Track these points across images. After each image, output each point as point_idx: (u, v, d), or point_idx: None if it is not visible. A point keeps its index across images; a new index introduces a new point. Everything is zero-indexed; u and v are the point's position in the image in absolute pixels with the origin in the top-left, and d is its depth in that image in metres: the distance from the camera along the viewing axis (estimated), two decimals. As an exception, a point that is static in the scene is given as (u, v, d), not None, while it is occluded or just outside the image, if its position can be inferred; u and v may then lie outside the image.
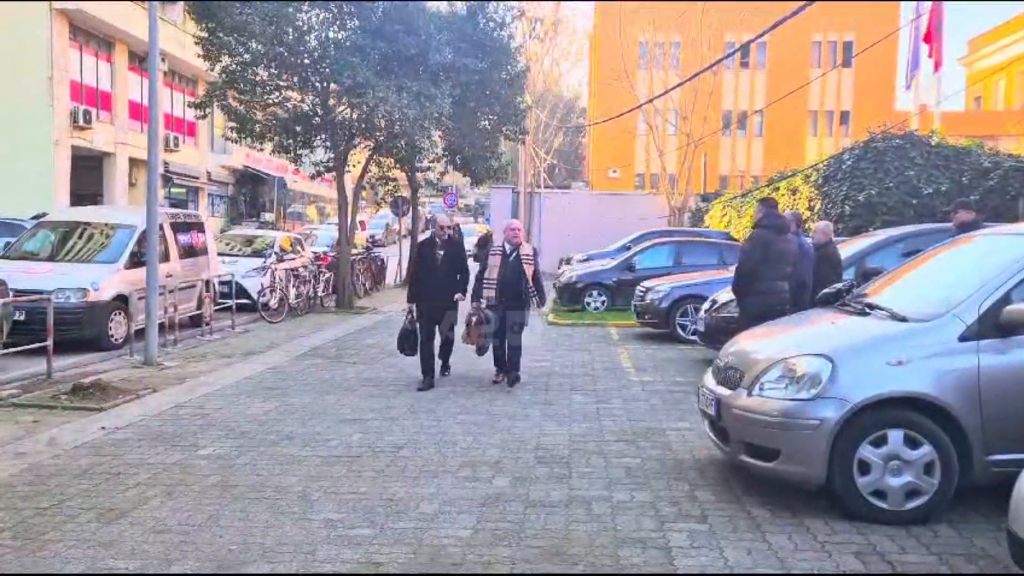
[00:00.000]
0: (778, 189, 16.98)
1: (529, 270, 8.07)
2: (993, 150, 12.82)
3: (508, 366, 8.23)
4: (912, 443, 4.19)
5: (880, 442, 4.22)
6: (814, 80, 31.31)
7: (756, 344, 5.17)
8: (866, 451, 4.22)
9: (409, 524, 4.24)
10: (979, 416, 4.15)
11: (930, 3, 15.76)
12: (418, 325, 8.11)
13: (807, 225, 10.90)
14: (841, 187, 13.18)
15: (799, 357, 4.52)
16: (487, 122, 18.44)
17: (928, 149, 12.62)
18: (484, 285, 8.11)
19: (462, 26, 15.78)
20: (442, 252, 8.15)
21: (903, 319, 4.56)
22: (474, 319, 8.14)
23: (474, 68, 15.18)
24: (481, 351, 8.28)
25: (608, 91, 33.77)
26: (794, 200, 15.74)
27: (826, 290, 5.82)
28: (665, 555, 3.86)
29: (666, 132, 33.05)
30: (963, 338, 4.24)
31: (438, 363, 8.36)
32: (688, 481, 5.01)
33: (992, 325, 4.20)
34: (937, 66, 15.91)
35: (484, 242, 12.69)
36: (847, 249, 9.07)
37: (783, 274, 6.95)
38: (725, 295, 9.02)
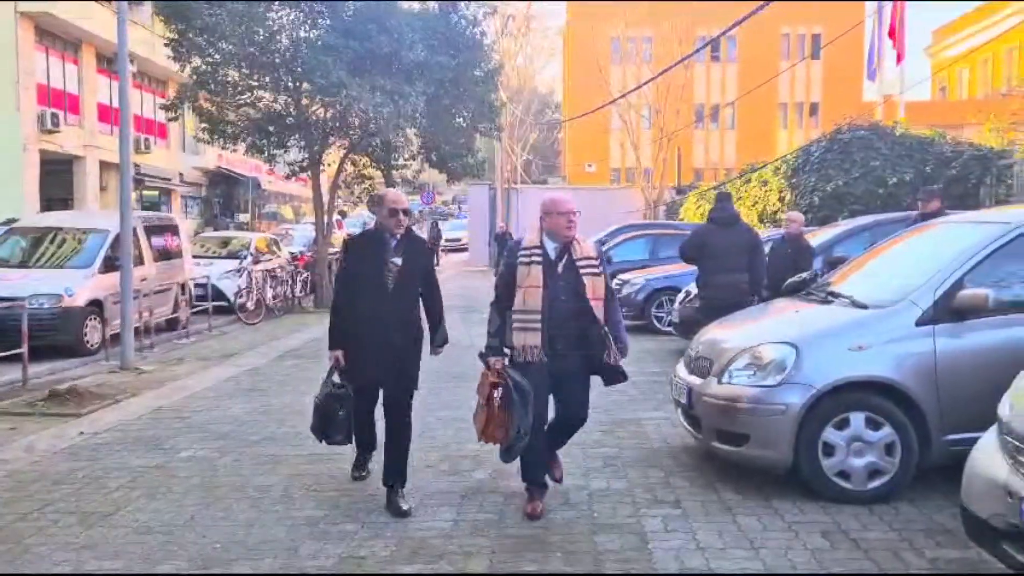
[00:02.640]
0: (749, 181, 17.26)
1: (597, 286, 4.33)
2: (955, 139, 13.12)
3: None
4: (873, 425, 4.36)
5: (843, 425, 4.38)
6: (783, 72, 31.65)
7: (725, 334, 5.32)
8: (830, 434, 4.37)
9: (391, 518, 4.32)
10: (936, 397, 4.32)
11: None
12: (346, 391, 4.69)
13: (779, 216, 11.14)
14: (810, 178, 13.44)
15: (765, 345, 4.67)
16: (462, 119, 18.51)
17: (892, 140, 12.91)
18: (516, 322, 4.32)
19: (435, 24, 15.83)
20: (397, 261, 4.49)
21: (864, 306, 4.73)
22: (496, 393, 4.33)
23: (447, 66, 15.24)
24: (510, 453, 4.38)
25: (582, 86, 33.95)
26: (765, 192, 16.00)
27: (791, 280, 5.99)
28: (640, 539, 3.98)
29: (640, 127, 33.31)
30: (920, 323, 4.41)
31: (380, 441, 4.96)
32: (663, 468, 5.14)
33: (947, 310, 4.38)
34: (900, 58, 16.23)
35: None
36: (815, 239, 9.29)
37: (735, 266, 6.99)
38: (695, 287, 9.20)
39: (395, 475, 4.53)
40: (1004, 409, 3.27)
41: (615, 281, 13.14)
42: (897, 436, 4.34)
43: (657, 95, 29.68)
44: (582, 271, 4.31)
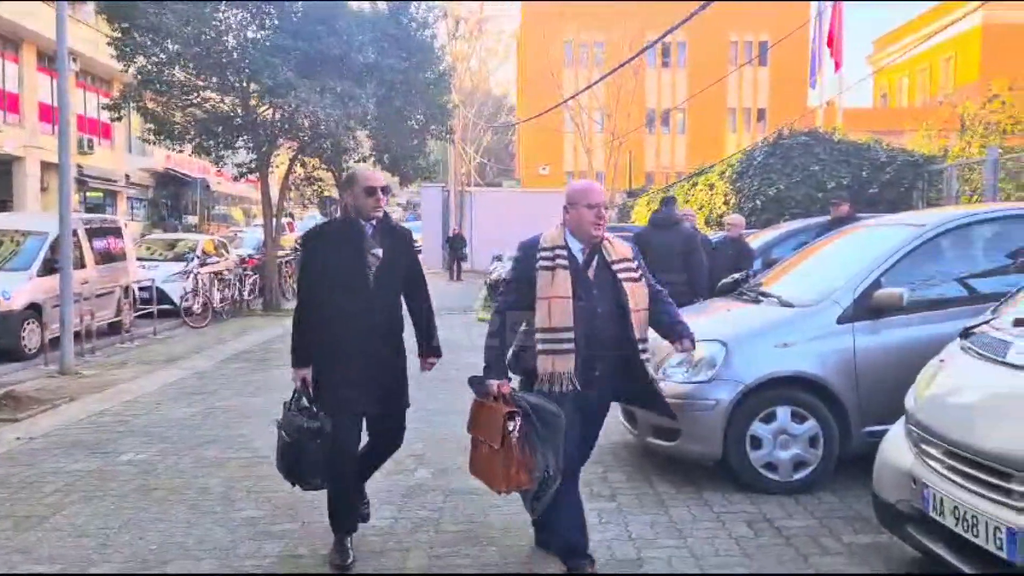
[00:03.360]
0: (696, 184, 17.60)
1: (639, 295, 3.55)
2: (889, 145, 13.58)
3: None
4: (799, 419, 4.56)
5: (770, 419, 4.57)
6: (726, 77, 32.32)
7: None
8: (757, 428, 4.56)
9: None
10: (856, 391, 4.54)
11: (830, 5, 16.58)
12: (319, 425, 3.62)
13: (724, 219, 11.41)
14: (753, 182, 13.76)
15: (697, 343, 4.83)
16: (414, 122, 18.50)
17: (831, 145, 13.30)
18: (541, 344, 3.43)
19: (384, 26, 15.82)
20: (378, 253, 3.70)
21: (790, 305, 4.94)
22: (512, 425, 3.35)
23: (398, 68, 15.24)
24: (541, 501, 3.46)
25: (536, 89, 34.19)
26: (711, 195, 16.35)
27: (724, 280, 6.20)
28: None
29: (593, 130, 33.70)
30: (840, 320, 4.62)
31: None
32: (603, 464, 5.27)
33: (865, 308, 4.60)
34: (838, 66, 16.77)
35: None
36: (756, 241, 9.57)
37: (673, 267, 7.19)
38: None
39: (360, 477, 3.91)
40: (909, 401, 3.48)
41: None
42: (820, 429, 4.55)
43: (609, 99, 30.12)
44: (620, 276, 3.48)
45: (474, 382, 3.58)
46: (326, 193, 21.01)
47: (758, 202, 13.53)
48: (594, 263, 3.50)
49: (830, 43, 16.43)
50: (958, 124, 14.84)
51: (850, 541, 3.88)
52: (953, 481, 2.99)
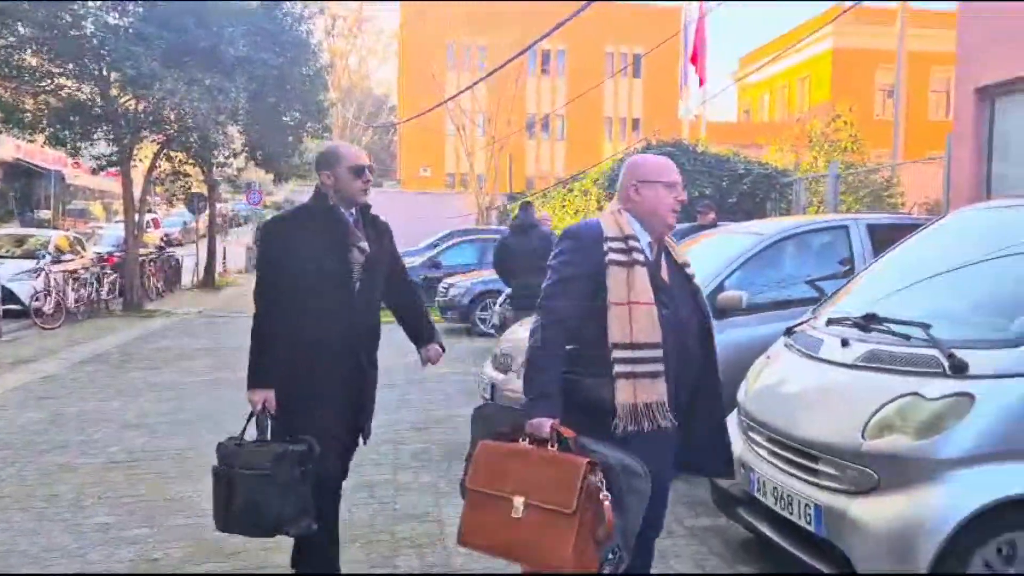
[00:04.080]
0: (571, 190, 18.15)
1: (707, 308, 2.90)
2: (746, 158, 14.52)
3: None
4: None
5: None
6: (602, 83, 33.44)
7: (524, 332, 5.68)
8: (614, 422, 4.82)
9: (189, 521, 4.28)
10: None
11: (695, 21, 17.55)
12: (307, 447, 2.93)
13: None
14: (623, 189, 14.38)
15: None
16: (289, 118, 18.09)
17: (694, 156, 14.08)
18: (623, 362, 2.48)
19: (258, 20, 15.40)
20: (365, 246, 3.11)
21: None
22: (595, 479, 2.30)
23: (272, 63, 14.87)
24: None
25: (418, 91, 34.09)
26: (586, 201, 16.91)
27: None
28: (438, 527, 4.22)
29: (475, 134, 33.97)
30: (690, 320, 4.97)
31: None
32: (458, 463, 5.41)
33: (711, 309, 4.96)
34: (702, 81, 17.79)
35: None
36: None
37: (533, 268, 7.48)
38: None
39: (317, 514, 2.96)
40: (741, 393, 3.81)
41: (440, 284, 13.58)
42: (669, 422, 4.86)
43: (491, 103, 30.43)
44: (695, 282, 2.79)
45: (496, 415, 2.67)
46: (194, 189, 20.18)
47: (628, 208, 14.16)
48: (664, 262, 2.67)
49: (694, 60, 17.38)
50: (808, 140, 16.09)
51: (691, 524, 4.20)
52: (774, 465, 3.31)
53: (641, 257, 2.55)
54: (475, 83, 18.50)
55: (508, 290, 10.44)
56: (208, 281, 20.35)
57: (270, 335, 3.04)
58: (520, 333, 5.81)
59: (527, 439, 2.43)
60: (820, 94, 31.79)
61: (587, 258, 2.55)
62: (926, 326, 3.01)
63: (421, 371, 9.09)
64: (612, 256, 2.53)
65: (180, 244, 29.39)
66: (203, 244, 21.10)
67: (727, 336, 4.95)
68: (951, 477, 2.63)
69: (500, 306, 10.55)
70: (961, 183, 7.43)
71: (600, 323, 2.49)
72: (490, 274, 13.15)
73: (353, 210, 3.13)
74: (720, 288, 5.01)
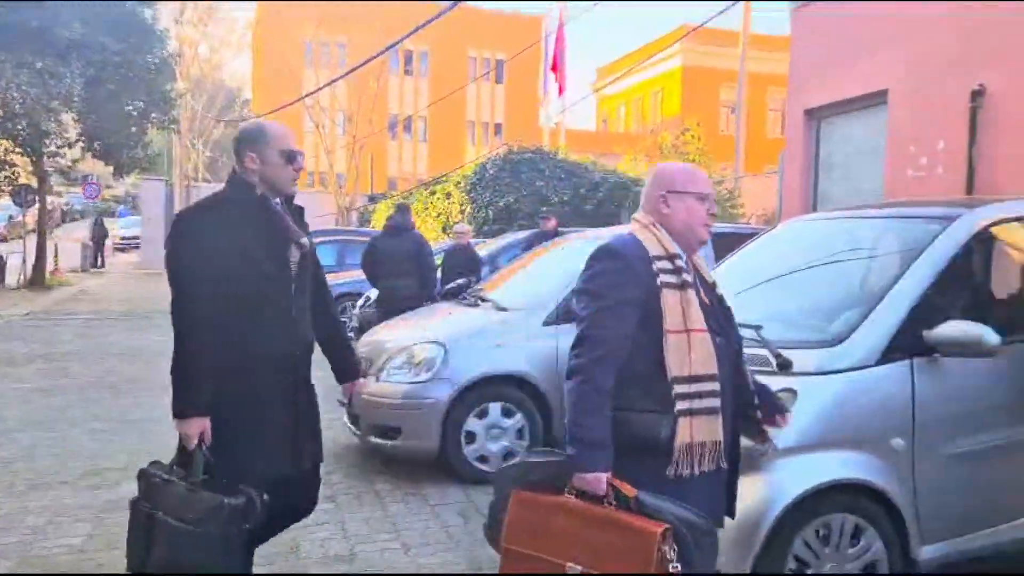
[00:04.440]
0: (434, 193, 18.16)
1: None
2: (603, 167, 15.11)
3: None
4: (507, 413, 4.97)
5: (483, 414, 4.93)
6: (465, 87, 33.70)
7: (388, 334, 5.66)
8: (472, 423, 4.90)
9: (13, 539, 3.94)
10: (557, 386, 5.03)
11: (555, 32, 18.07)
12: (246, 500, 2.47)
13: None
14: (485, 194, 14.56)
15: (418, 344, 5.08)
16: (132, 107, 16.96)
17: (554, 163, 14.49)
18: (683, 397, 2.21)
19: (96, 2, 14.34)
20: (305, 242, 2.75)
21: (504, 309, 5.36)
22: (669, 550, 2.01)
23: (112, 48, 13.91)
24: None
25: (274, 86, 32.91)
26: (449, 204, 16.97)
27: (449, 286, 6.54)
28: (289, 535, 4.09)
29: (334, 132, 33.23)
30: (546, 323, 5.13)
31: None
32: (326, 466, 5.25)
33: (566, 313, 5.13)
34: (561, 91, 18.34)
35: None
36: (484, 250, 10.16)
37: (403, 271, 7.35)
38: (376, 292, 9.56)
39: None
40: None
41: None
42: (526, 421, 5.00)
43: (351, 101, 29.89)
44: (727, 303, 2.50)
45: (531, 469, 2.31)
46: (22, 180, 18.52)
47: (490, 212, 14.34)
48: (696, 281, 2.36)
49: (555, 68, 17.87)
50: (660, 152, 16.96)
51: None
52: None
53: (690, 278, 2.28)
54: (335, 80, 18.15)
55: (369, 292, 10.34)
56: (37, 280, 18.73)
57: (199, 352, 2.50)
58: (381, 335, 5.76)
59: (572, 492, 2.13)
60: (671, 108, 33.54)
61: (637, 280, 2.22)
62: (758, 327, 3.25)
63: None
64: (664, 278, 2.24)
65: (4, 240, 26.85)
66: (32, 240, 19.37)
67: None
68: (778, 467, 2.86)
69: (359, 309, 10.37)
70: (792, 196, 8.08)
71: (651, 353, 2.19)
72: (348, 276, 12.91)
73: (278, 200, 2.72)
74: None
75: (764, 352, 3.12)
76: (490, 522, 2.35)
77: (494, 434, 4.94)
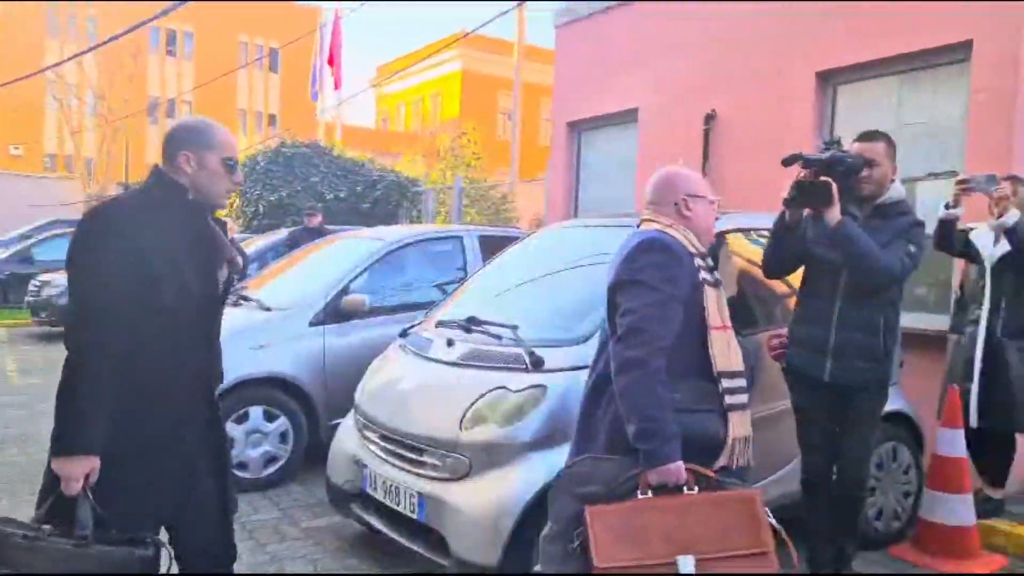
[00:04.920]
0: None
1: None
2: (380, 166, 15.02)
3: None
4: (269, 417, 4.80)
5: (243, 419, 4.71)
6: (234, 72, 31.92)
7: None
8: (231, 429, 4.64)
9: None
10: (324, 388, 4.97)
11: (331, 23, 17.66)
12: (155, 552, 2.08)
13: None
14: (256, 187, 13.86)
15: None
16: None
17: (330, 159, 14.16)
18: (730, 392, 2.33)
19: None
20: (237, 261, 2.38)
21: (268, 309, 5.15)
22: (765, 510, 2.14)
23: None
24: None
25: (7, 55, 28.96)
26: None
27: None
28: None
29: (83, 111, 29.93)
30: (313, 323, 5.02)
31: None
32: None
33: (335, 312, 5.08)
34: (337, 85, 17.94)
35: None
36: (253, 246, 9.67)
37: None
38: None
39: None
40: (358, 393, 3.96)
41: (32, 281, 11.77)
42: (290, 425, 4.85)
43: (103, 79, 27.08)
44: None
45: (606, 468, 2.20)
46: None
47: (260, 207, 13.68)
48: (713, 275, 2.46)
49: (331, 62, 17.46)
50: (437, 154, 17.20)
51: (307, 526, 4.22)
52: (385, 460, 3.49)
53: (708, 279, 2.34)
54: (81, 52, 16.34)
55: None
56: None
57: (98, 376, 2.02)
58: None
59: (647, 490, 2.10)
60: (450, 111, 34.09)
61: (685, 276, 2.27)
62: (514, 327, 3.43)
63: (5, 384, 7.81)
64: (704, 275, 2.32)
65: None
66: None
67: (350, 339, 5.13)
68: (527, 459, 3.04)
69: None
70: (556, 203, 8.57)
71: (692, 350, 2.25)
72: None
73: (224, 204, 2.46)
74: (345, 291, 5.12)
75: (519, 351, 3.29)
76: (566, 549, 2.14)
77: (255, 439, 4.74)
